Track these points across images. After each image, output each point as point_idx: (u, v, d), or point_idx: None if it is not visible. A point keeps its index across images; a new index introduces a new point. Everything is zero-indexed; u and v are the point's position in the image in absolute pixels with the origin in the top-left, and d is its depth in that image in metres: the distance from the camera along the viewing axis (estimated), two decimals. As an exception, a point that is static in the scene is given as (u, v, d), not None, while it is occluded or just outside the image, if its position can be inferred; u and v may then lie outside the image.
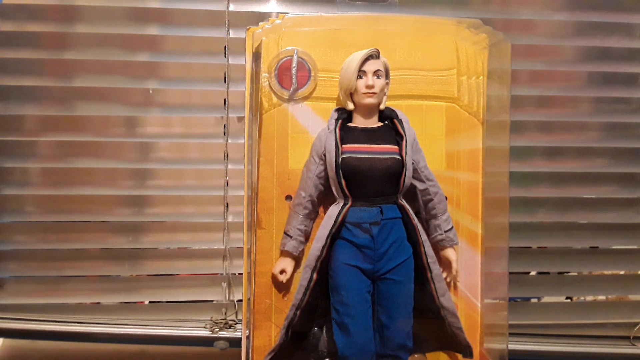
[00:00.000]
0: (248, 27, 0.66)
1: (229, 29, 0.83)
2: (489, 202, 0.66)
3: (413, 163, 0.62)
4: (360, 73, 0.62)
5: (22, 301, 0.85)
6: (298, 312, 0.62)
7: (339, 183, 0.61)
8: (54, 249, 0.85)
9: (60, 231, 0.85)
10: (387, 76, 0.63)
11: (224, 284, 0.85)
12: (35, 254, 0.85)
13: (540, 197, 0.87)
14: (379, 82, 0.62)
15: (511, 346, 0.66)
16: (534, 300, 0.92)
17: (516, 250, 0.86)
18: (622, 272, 0.92)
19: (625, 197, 0.88)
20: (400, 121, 0.63)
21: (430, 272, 0.63)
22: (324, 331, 0.64)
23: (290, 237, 0.62)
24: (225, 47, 0.83)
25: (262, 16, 0.82)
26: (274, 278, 0.63)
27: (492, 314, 0.66)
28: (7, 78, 0.83)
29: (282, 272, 0.63)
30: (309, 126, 0.64)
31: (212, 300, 0.87)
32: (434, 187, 0.64)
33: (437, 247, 0.64)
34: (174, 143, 0.86)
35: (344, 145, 0.61)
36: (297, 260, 0.63)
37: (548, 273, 0.91)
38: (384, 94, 0.63)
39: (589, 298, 0.94)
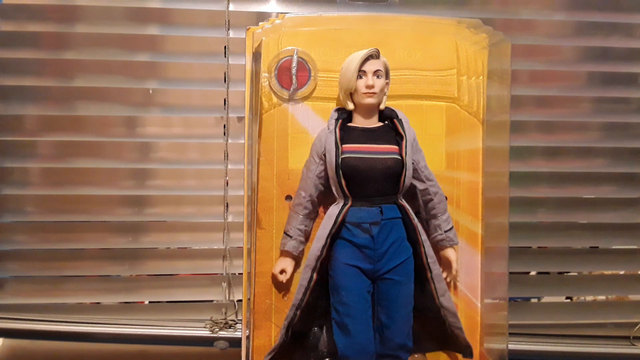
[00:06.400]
0: (248, 27, 0.66)
1: (229, 29, 0.83)
2: (489, 202, 0.66)
3: (413, 163, 0.62)
4: (360, 73, 0.62)
5: (22, 301, 0.85)
6: (298, 312, 0.62)
7: (339, 183, 0.61)
8: (54, 249, 0.85)
9: (60, 231, 0.85)
10: (387, 76, 0.63)
11: (224, 284, 0.85)
12: (35, 254, 0.85)
13: (540, 197, 0.87)
14: (379, 82, 0.62)
15: (511, 346, 0.66)
16: (534, 300, 0.92)
17: (516, 250, 0.86)
18: (622, 272, 0.92)
19: (625, 197, 0.88)
20: (400, 121, 0.63)
21: (430, 272, 0.63)
22: (324, 331, 0.64)
23: (290, 237, 0.62)
24: (225, 47, 0.83)
25: (262, 16, 0.82)
26: (274, 278, 0.63)
27: (492, 314, 0.66)
28: (7, 78, 0.83)
29: (282, 272, 0.63)
30: (309, 126, 0.64)
31: (212, 300, 0.87)
32: (434, 187, 0.64)
33: (437, 247, 0.64)
34: (174, 143, 0.86)
35: (344, 145, 0.61)
36: (297, 260, 0.63)
37: (548, 273, 0.91)
38: (384, 94, 0.63)
39: (589, 298, 0.94)
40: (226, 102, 0.83)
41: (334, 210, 0.62)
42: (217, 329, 0.82)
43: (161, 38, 0.85)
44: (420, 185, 0.63)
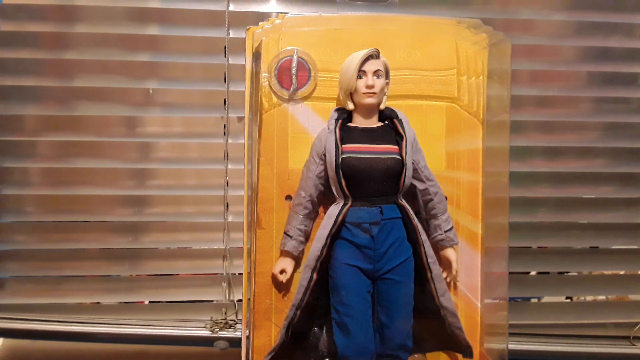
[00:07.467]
0: (248, 27, 0.66)
1: (229, 29, 0.83)
2: (489, 202, 0.66)
3: (413, 163, 0.62)
4: (360, 73, 0.62)
5: (22, 301, 0.85)
6: (298, 312, 0.62)
7: (339, 183, 0.61)
8: (54, 249, 0.85)
9: (60, 231, 0.85)
10: (387, 76, 0.63)
11: (224, 284, 0.85)
12: (35, 254, 0.85)
13: (540, 197, 0.87)
14: (379, 82, 0.62)
15: (511, 346, 0.66)
16: (534, 300, 0.92)
17: (516, 250, 0.86)
18: (622, 272, 0.92)
19: (625, 197, 0.88)
20: (400, 121, 0.63)
21: (430, 272, 0.63)
22: (324, 331, 0.64)
23: (290, 237, 0.62)
24: (225, 47, 0.83)
25: (262, 16, 0.82)
26: (274, 278, 0.63)
27: (492, 314, 0.66)
28: (7, 78, 0.83)
29: (282, 272, 0.63)
30: (309, 126, 0.64)
31: (212, 300, 0.87)
32: (434, 187, 0.64)
33: (437, 247, 0.64)
34: (174, 143, 0.86)
35: (344, 145, 0.61)
36: (297, 260, 0.63)
37: (548, 273, 0.91)
38: (384, 94, 0.63)
39: (589, 298, 0.94)
40: (226, 102, 0.83)
41: (334, 210, 0.62)
42: (217, 329, 0.82)
43: (161, 38, 0.85)
44: (420, 185, 0.63)
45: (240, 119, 0.84)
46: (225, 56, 0.83)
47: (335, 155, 0.61)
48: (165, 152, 0.85)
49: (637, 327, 0.86)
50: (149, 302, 0.89)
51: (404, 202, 0.62)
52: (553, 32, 0.87)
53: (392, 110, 0.64)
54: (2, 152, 0.83)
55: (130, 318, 0.85)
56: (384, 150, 0.61)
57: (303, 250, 0.63)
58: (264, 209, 0.63)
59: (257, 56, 0.65)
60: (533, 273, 0.93)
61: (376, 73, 0.62)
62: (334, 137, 0.61)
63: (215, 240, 0.85)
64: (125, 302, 0.87)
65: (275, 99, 0.64)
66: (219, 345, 0.81)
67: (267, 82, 0.64)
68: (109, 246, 0.86)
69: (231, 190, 0.84)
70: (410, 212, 0.62)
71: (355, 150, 0.61)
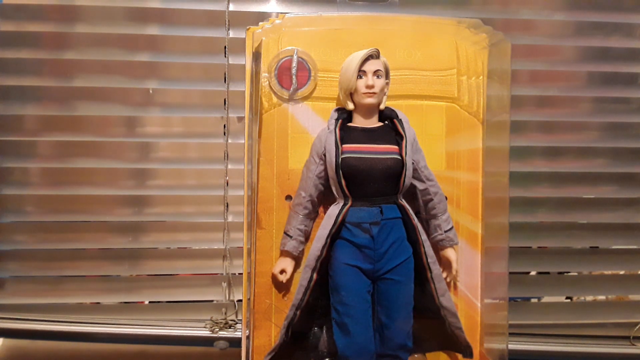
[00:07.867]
0: (248, 27, 0.66)
1: (229, 29, 0.83)
2: (489, 202, 0.66)
3: (413, 163, 0.62)
4: (360, 73, 0.62)
5: (22, 301, 0.85)
6: (298, 312, 0.62)
7: (339, 183, 0.61)
8: (54, 249, 0.85)
9: (60, 231, 0.85)
10: (387, 76, 0.63)
11: (224, 284, 0.85)
12: (35, 254, 0.85)
13: (540, 197, 0.87)
14: (379, 82, 0.62)
15: (511, 346, 0.66)
16: (534, 300, 0.92)
17: (516, 250, 0.86)
18: (622, 272, 0.92)
19: (625, 197, 0.88)
20: (400, 121, 0.63)
21: (430, 272, 0.63)
22: (324, 331, 0.64)
23: (290, 237, 0.62)
24: (225, 47, 0.83)
25: (262, 16, 0.82)
26: (274, 278, 0.63)
27: (492, 314, 0.66)
28: (7, 78, 0.83)
29: (282, 272, 0.63)
30: (309, 126, 0.64)
31: (212, 300, 0.87)
32: (434, 187, 0.64)
33: (437, 247, 0.64)
34: (174, 143, 0.86)
35: (344, 145, 0.61)
36: (297, 260, 0.63)
37: (548, 273, 0.91)
38: (384, 94, 0.63)
39: (589, 298, 0.94)
40: (226, 102, 0.83)
41: (334, 210, 0.62)
42: (217, 329, 0.82)
43: (161, 38, 0.85)
44: (420, 185, 0.63)
45: (240, 119, 0.84)
46: (225, 56, 0.83)
47: (335, 155, 0.61)
48: (165, 152, 0.86)
49: (637, 327, 0.86)
50: (149, 302, 0.89)
51: (404, 202, 0.62)
52: (553, 32, 0.87)
53: (392, 110, 0.64)
54: (2, 152, 0.83)
55: (130, 318, 0.85)
56: (384, 150, 0.61)
57: (303, 250, 0.63)
58: (264, 209, 0.63)
59: (257, 56, 0.65)
60: (533, 273, 0.93)
61: (376, 73, 0.62)
62: (334, 137, 0.61)
63: (215, 240, 0.85)
64: (125, 302, 0.87)
65: (275, 99, 0.64)
66: (219, 345, 0.81)
67: (267, 82, 0.64)
68: (109, 246, 0.86)
69: (231, 190, 0.84)
70: (410, 212, 0.62)
71: (355, 150, 0.61)
